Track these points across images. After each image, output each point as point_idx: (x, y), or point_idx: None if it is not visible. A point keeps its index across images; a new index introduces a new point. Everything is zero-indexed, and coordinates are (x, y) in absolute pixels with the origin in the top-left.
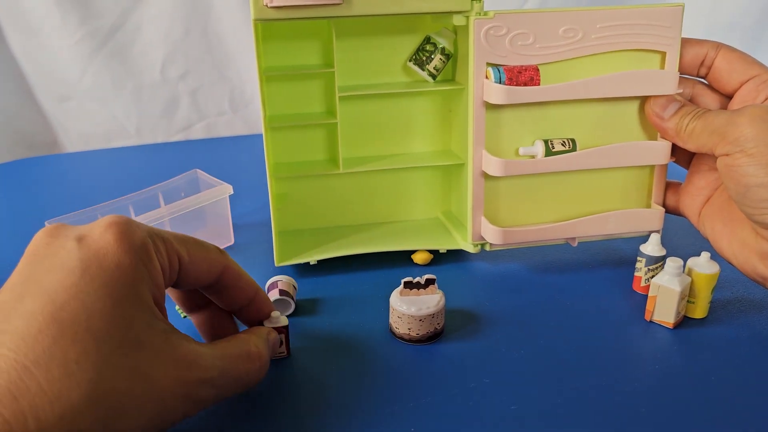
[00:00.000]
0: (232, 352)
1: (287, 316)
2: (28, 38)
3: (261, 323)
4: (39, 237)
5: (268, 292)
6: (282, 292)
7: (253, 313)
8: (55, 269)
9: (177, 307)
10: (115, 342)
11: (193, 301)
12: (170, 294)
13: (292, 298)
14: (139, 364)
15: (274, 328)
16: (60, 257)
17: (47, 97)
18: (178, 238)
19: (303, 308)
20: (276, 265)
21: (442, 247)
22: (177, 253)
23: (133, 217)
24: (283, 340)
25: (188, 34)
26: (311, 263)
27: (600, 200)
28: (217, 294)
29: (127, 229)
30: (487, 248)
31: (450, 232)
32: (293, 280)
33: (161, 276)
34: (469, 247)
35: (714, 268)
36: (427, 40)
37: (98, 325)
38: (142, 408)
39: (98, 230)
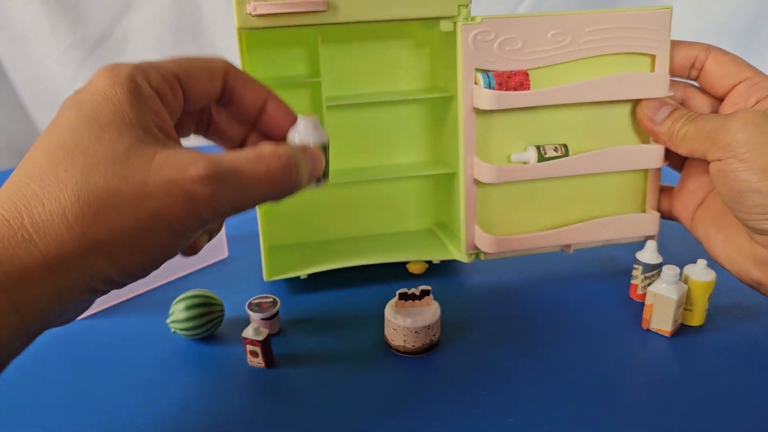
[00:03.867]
0: (242, 155)
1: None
2: (17, 47)
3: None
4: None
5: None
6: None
7: (272, 121)
8: (58, 115)
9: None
10: (103, 154)
11: (231, 129)
12: (207, 136)
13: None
14: (129, 170)
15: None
16: (63, 106)
17: (36, 106)
18: (172, 59)
19: (295, 322)
20: (265, 280)
21: (436, 258)
22: (172, 72)
23: None
24: (259, 351)
25: (178, 42)
26: (302, 277)
27: (594, 206)
28: (229, 104)
29: (114, 67)
30: (482, 258)
31: (443, 242)
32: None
33: (157, 99)
34: (464, 257)
35: (710, 276)
36: None
37: (86, 144)
38: (137, 206)
39: (92, 78)
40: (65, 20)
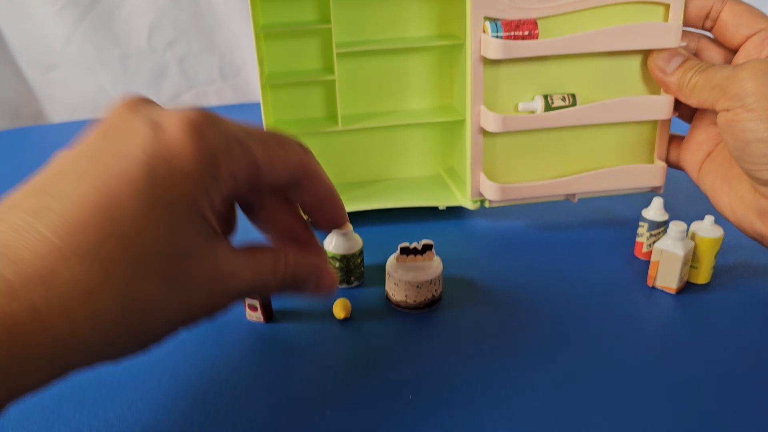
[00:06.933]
0: (264, 267)
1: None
2: (10, 6)
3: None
4: (119, 109)
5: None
6: None
7: (323, 218)
8: (122, 156)
9: None
10: (162, 254)
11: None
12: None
13: None
14: (179, 276)
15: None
16: (132, 142)
17: (31, 67)
18: (258, 139)
19: None
20: None
21: (442, 204)
22: (253, 159)
23: None
24: (258, 306)
25: (174, 1)
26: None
27: (601, 156)
28: (291, 190)
29: (206, 133)
30: (486, 205)
31: (450, 188)
32: None
33: (229, 186)
34: (468, 204)
35: (718, 232)
36: None
37: (149, 235)
38: (169, 318)
39: (176, 126)
40: None
